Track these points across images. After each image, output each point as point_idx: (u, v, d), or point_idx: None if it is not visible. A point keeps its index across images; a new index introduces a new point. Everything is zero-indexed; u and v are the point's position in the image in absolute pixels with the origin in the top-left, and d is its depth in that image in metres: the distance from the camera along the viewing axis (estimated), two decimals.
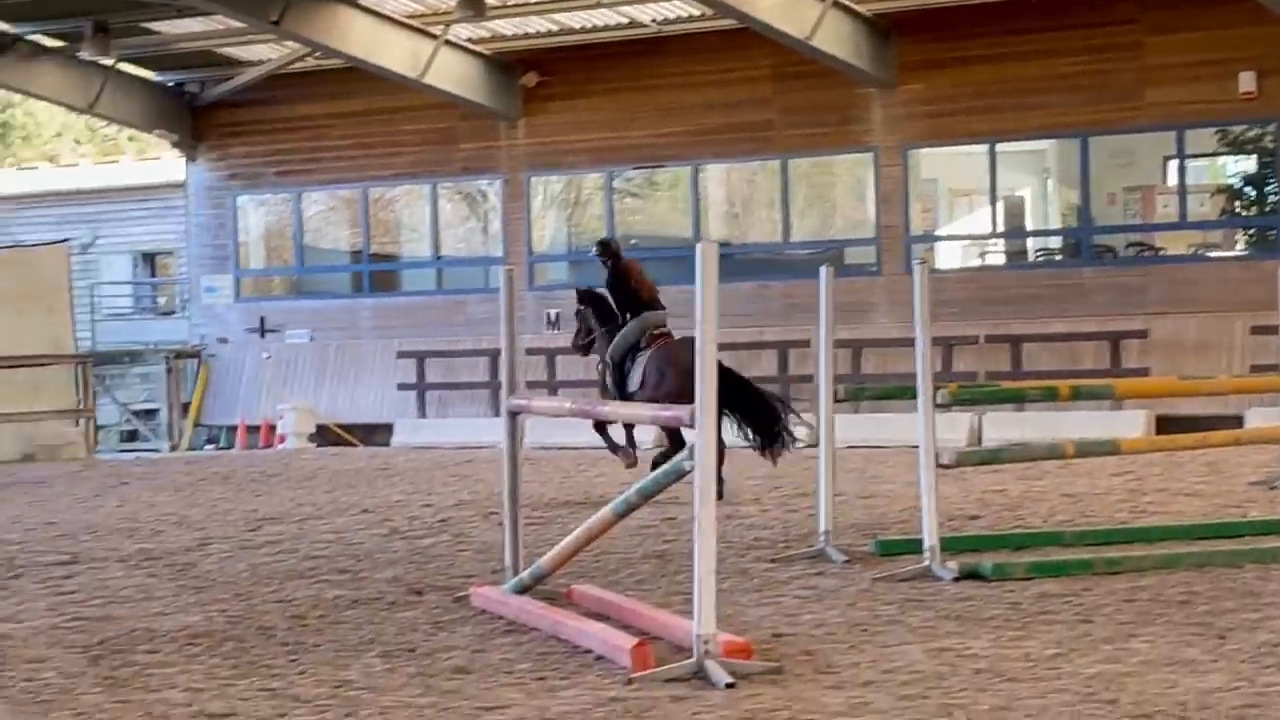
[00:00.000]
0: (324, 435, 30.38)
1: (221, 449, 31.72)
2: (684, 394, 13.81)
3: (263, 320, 32.51)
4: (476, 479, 20.43)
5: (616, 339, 17.78)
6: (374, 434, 30.55)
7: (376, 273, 33.20)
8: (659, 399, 16.35)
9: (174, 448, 32.23)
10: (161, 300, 42.52)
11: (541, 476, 18.98)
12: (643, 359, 17.42)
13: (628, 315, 17.90)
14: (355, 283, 33.44)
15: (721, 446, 15.88)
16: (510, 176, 30.95)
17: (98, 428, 30.86)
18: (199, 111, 33.24)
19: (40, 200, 43.14)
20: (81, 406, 28.81)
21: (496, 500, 16.43)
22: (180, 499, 19.23)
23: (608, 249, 18.39)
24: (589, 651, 8.82)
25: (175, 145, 33.98)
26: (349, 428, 30.83)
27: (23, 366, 27.99)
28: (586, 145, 30.27)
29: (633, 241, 31.39)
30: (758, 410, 16.64)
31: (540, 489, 18.21)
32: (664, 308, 18.02)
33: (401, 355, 30.75)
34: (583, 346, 18.69)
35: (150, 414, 35.02)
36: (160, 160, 44.24)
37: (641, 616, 9.59)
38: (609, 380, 17.75)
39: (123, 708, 7.86)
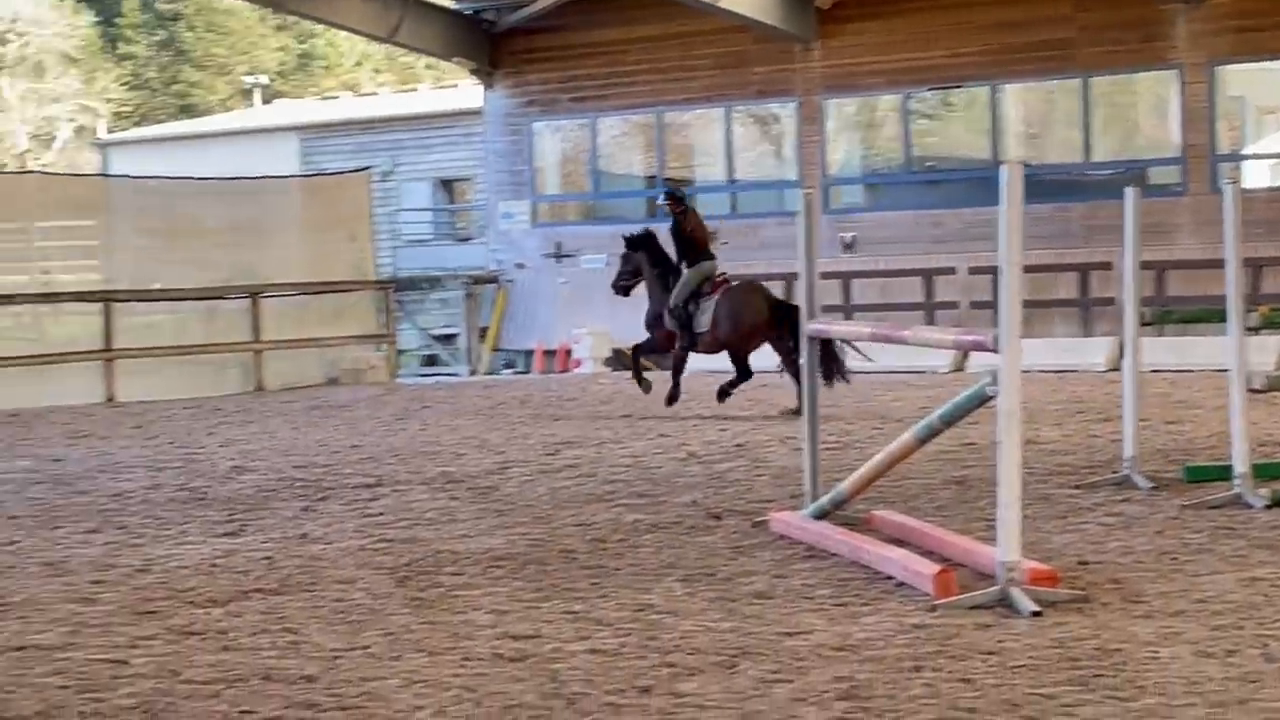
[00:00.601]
0: (619, 360, 30.57)
1: (519, 373, 32.13)
2: (755, 333, 19.03)
3: (559, 245, 32.81)
4: (770, 403, 20.39)
5: (678, 287, 19.44)
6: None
7: None
8: (734, 339, 19.20)
9: (473, 372, 32.74)
10: (460, 226, 43.19)
11: (836, 400, 18.87)
12: (709, 303, 19.22)
13: (683, 263, 19.56)
14: (650, 208, 33.54)
15: (748, 373, 19.37)
16: (805, 99, 30.78)
17: (399, 352, 31.43)
18: (496, 39, 33.55)
19: (342, 129, 44.07)
20: (384, 331, 29.34)
21: (793, 424, 16.43)
22: (480, 423, 19.49)
23: (677, 198, 19.84)
24: (890, 578, 8.74)
25: (473, 73, 34.36)
26: None
27: (327, 292, 28.61)
28: (882, 66, 29.98)
29: (929, 164, 31.08)
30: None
31: (836, 412, 18.10)
32: (714, 257, 19.75)
33: None
34: (624, 288, 20.60)
35: (449, 339, 35.60)
36: (458, 88, 44.97)
37: (943, 543, 9.49)
38: (670, 323, 19.54)
39: (430, 629, 7.97)
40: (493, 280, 33.81)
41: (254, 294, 27.17)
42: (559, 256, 32.67)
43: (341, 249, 29.18)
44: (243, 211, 28.33)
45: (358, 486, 13.62)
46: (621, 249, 20.43)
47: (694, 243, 19.59)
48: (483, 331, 33.58)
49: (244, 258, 27.92)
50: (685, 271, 19.51)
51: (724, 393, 19.47)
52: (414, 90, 52.58)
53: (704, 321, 19.28)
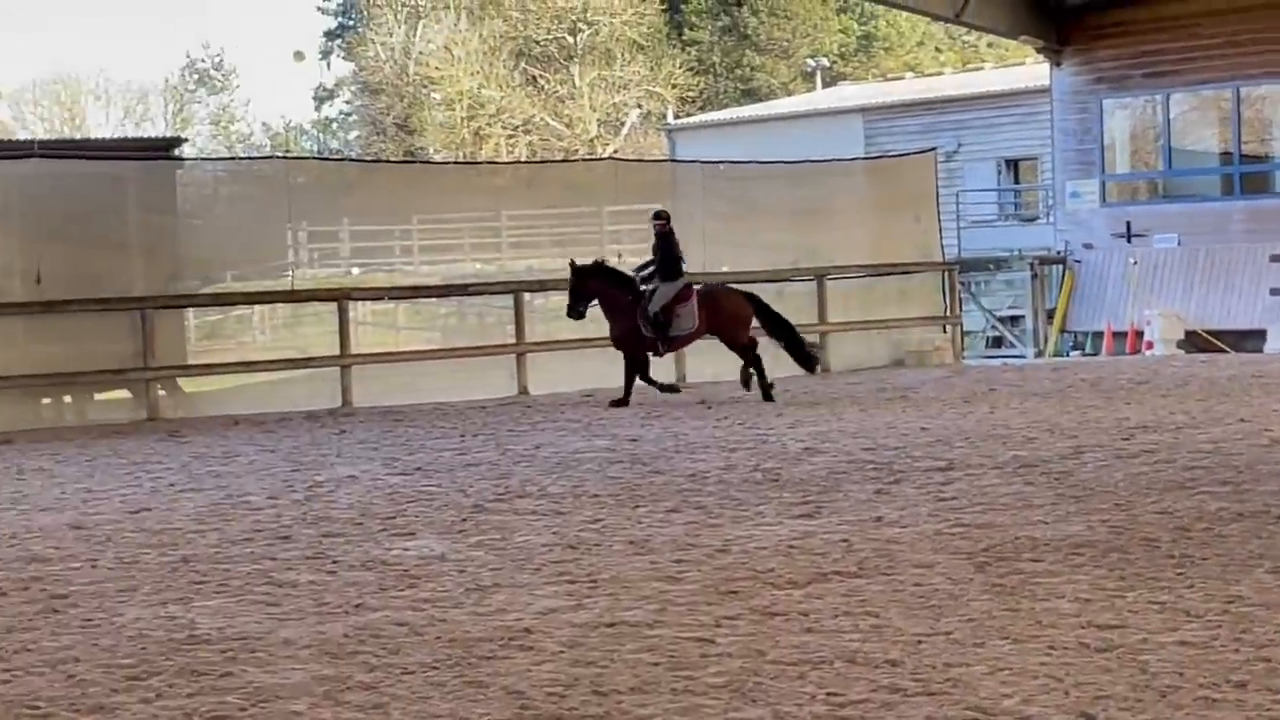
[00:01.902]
0: (1192, 341, 29.76)
1: (1087, 355, 31.57)
2: (748, 322, 21.73)
3: (1128, 225, 32.10)
4: None
5: (658, 298, 21.44)
6: (1245, 340, 29.68)
7: (1247, 174, 32.20)
8: (730, 329, 21.78)
9: (1039, 354, 32.33)
10: (1025, 206, 42.71)
11: None
12: (687, 308, 21.54)
13: (656, 276, 21.56)
14: (1225, 185, 32.53)
15: (758, 360, 21.70)
16: None
17: (964, 334, 31.23)
18: (1065, 15, 32.99)
19: (905, 110, 44.10)
20: (949, 313, 29.18)
21: None
22: (1049, 406, 19.19)
23: (665, 218, 21.80)
24: None
25: (1040, 51, 33.90)
26: (1218, 334, 30.10)
27: (892, 274, 28.61)
28: None
29: None
30: (792, 337, 22.07)
31: None
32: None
33: (1275, 259, 29.72)
34: (580, 312, 21.65)
35: (1015, 320, 35.26)
36: (1023, 66, 44.46)
37: None
38: (648, 330, 21.46)
39: (1012, 615, 7.88)
40: (1060, 261, 33.31)
41: (819, 276, 27.35)
42: (1129, 236, 31.96)
43: (906, 230, 29.12)
44: (807, 194, 28.56)
45: (929, 470, 13.57)
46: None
47: (679, 259, 21.75)
48: (1049, 313, 33.11)
49: (809, 240, 28.15)
50: (662, 285, 21.54)
51: (747, 381, 21.60)
52: (978, 69, 52.25)
53: (685, 325, 21.63)
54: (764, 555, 9.79)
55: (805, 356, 22.28)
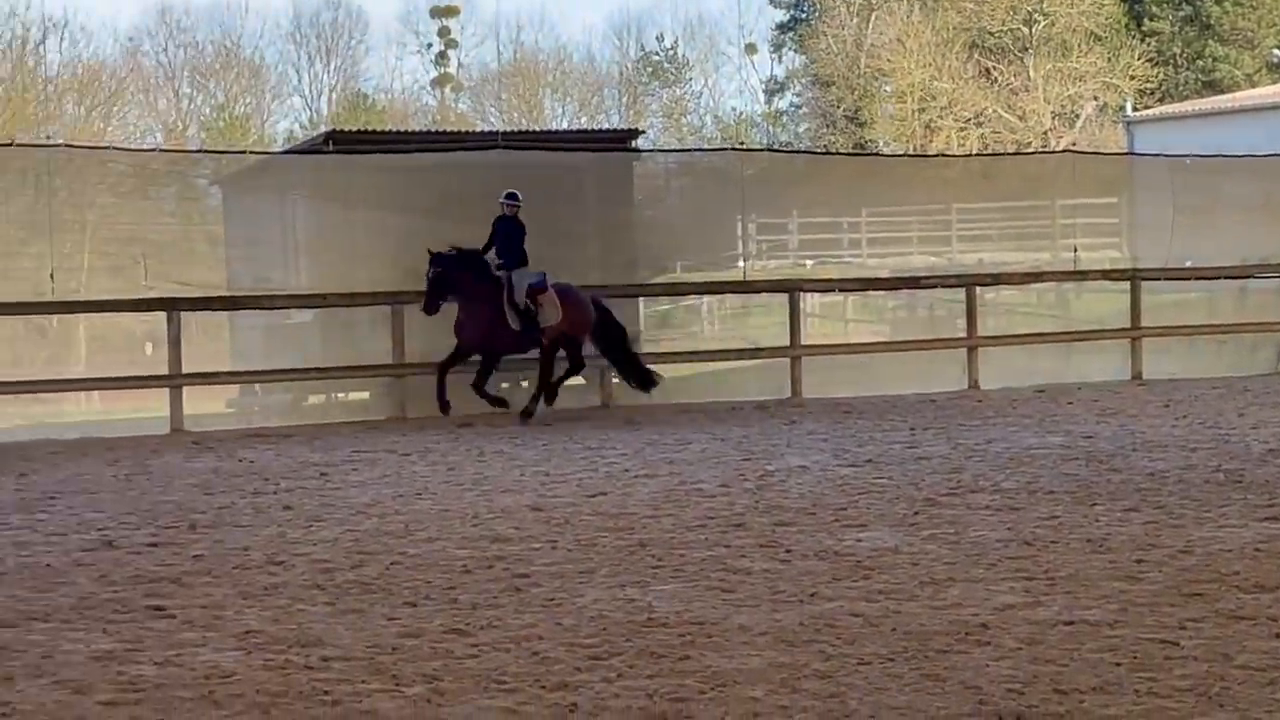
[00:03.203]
0: None
1: None
2: (588, 324, 20.40)
3: None
4: None
5: (519, 288, 19.85)
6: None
7: None
8: (585, 329, 20.45)
9: None
10: None
11: None
12: (548, 298, 20.02)
13: (503, 263, 20.01)
14: None
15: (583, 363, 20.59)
16: None
17: None
18: None
19: None
20: None
21: None
22: None
23: (518, 200, 20.20)
24: None
25: None
26: None
27: None
28: None
29: None
30: (626, 355, 20.91)
31: None
32: None
33: None
34: (438, 307, 19.69)
35: None
36: None
37: None
38: (514, 320, 19.79)
39: None
40: None
41: None
42: None
43: None
44: (1275, 188, 27.59)
45: None
46: None
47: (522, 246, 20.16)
48: None
49: (1275, 235, 27.18)
50: (516, 273, 19.97)
51: (559, 383, 20.38)
52: None
53: (550, 316, 20.03)
54: (1229, 557, 9.51)
55: (641, 376, 20.84)
